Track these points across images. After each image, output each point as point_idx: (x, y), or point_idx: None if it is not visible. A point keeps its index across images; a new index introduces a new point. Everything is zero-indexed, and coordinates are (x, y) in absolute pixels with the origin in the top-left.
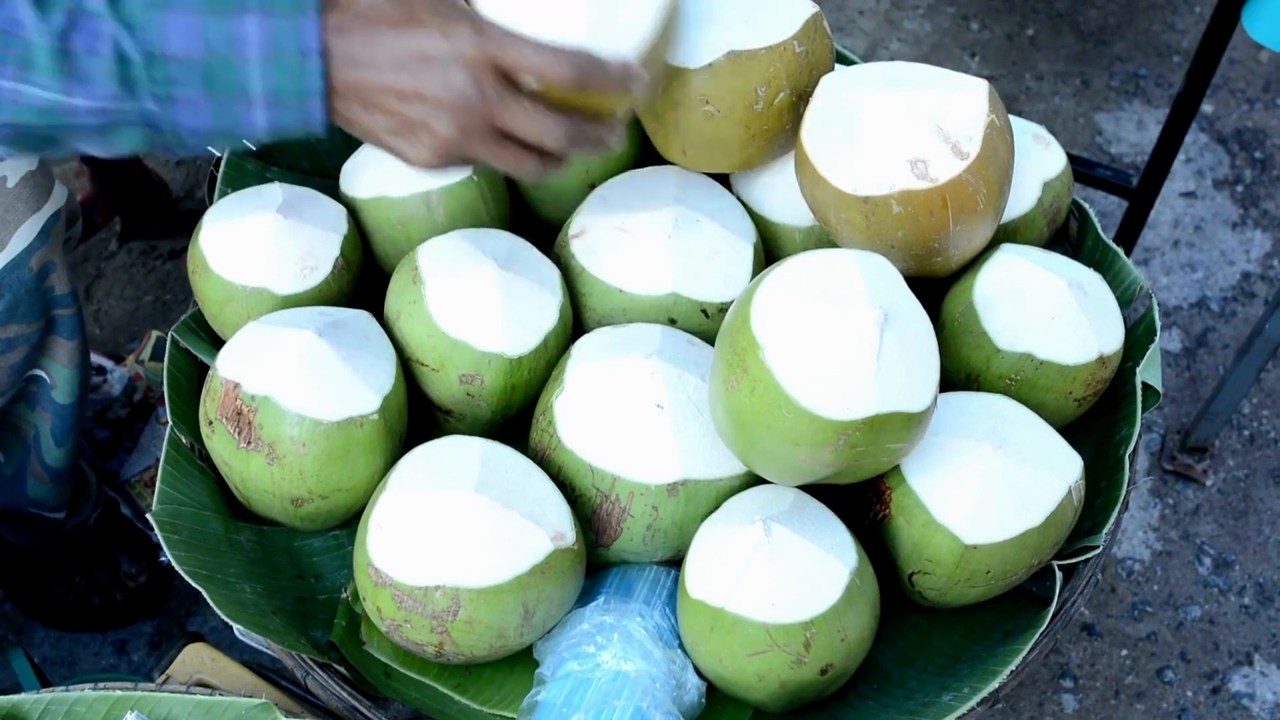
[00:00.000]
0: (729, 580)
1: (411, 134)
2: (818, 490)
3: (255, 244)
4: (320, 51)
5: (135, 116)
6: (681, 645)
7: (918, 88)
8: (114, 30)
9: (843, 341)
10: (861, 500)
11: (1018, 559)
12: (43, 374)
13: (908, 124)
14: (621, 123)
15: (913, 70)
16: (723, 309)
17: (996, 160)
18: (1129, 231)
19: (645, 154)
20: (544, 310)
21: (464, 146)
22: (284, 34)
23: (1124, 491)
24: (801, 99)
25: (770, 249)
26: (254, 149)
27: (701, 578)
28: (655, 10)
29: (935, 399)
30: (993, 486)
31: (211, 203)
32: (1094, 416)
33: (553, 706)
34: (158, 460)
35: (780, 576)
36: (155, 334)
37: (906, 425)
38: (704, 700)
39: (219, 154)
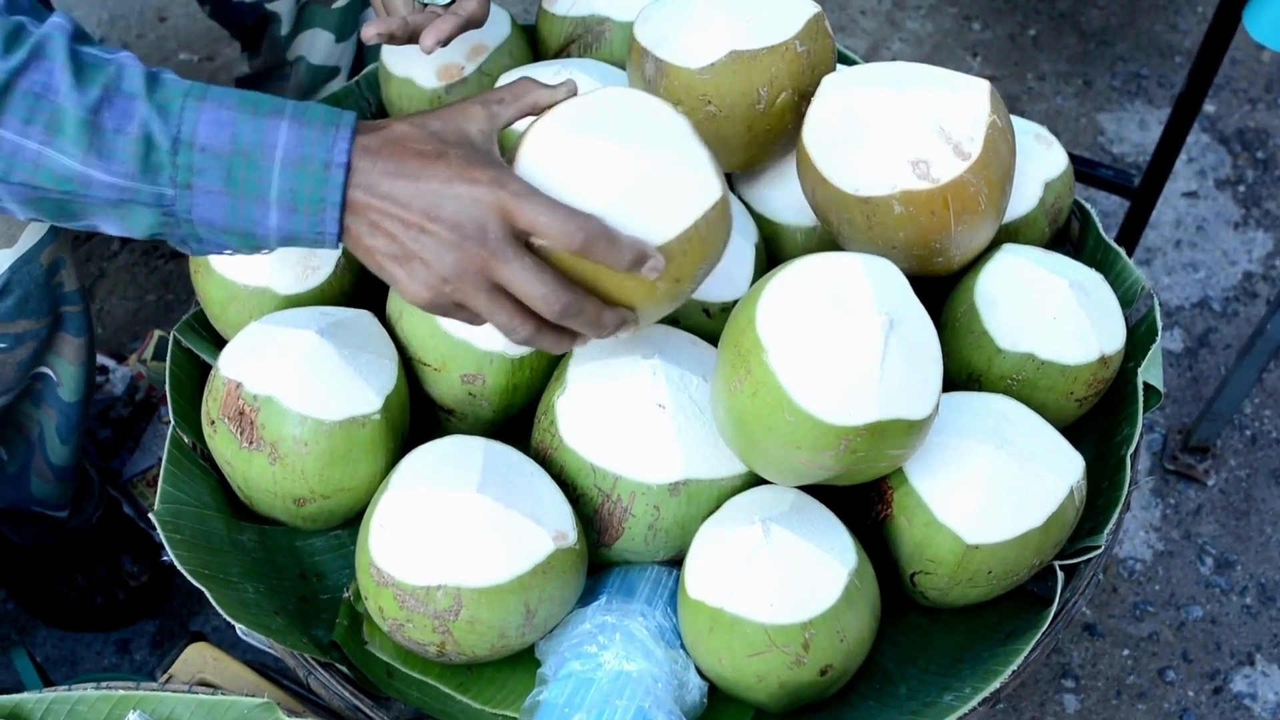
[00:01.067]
0: (728, 580)
1: (409, 263)
2: (818, 490)
3: None
4: (345, 166)
5: (151, 199)
6: (683, 645)
7: (919, 88)
8: (146, 113)
9: (847, 347)
10: (863, 500)
11: (1019, 559)
12: (49, 371)
13: (909, 124)
14: (633, 318)
15: (914, 70)
16: (725, 309)
17: (998, 160)
18: (1131, 231)
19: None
20: None
21: (457, 289)
22: (312, 145)
23: (1125, 492)
24: (804, 99)
25: (772, 249)
26: (266, 253)
27: (701, 578)
28: (694, 210)
29: (937, 406)
30: (995, 486)
31: None
32: (1095, 416)
33: (555, 706)
34: (160, 460)
35: (779, 577)
36: (157, 333)
37: (908, 432)
38: (706, 700)
39: (230, 253)
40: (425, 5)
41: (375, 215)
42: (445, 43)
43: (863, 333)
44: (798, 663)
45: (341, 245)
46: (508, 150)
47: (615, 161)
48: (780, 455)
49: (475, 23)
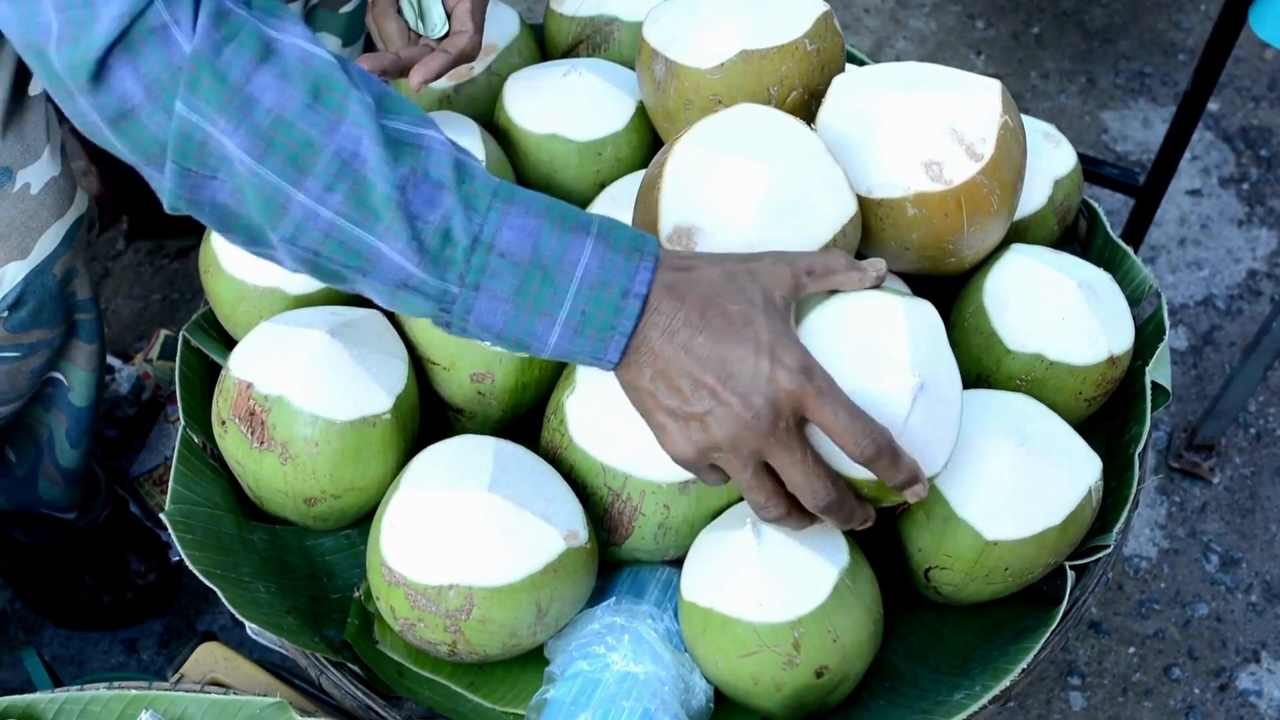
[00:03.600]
0: (719, 581)
1: (686, 421)
2: None
3: None
4: (644, 298)
5: (433, 291)
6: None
7: (931, 89)
8: (451, 205)
9: (874, 406)
10: None
11: (1036, 557)
12: (60, 376)
13: (922, 126)
14: (873, 515)
15: (925, 71)
16: None
17: (1010, 161)
18: (1136, 230)
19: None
20: None
21: (725, 458)
22: (614, 270)
23: (1134, 491)
24: (814, 97)
25: None
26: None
27: (694, 580)
28: (832, 225)
29: (949, 461)
30: (1015, 484)
31: None
32: (1104, 416)
33: (561, 704)
34: (166, 459)
35: (767, 576)
36: (164, 333)
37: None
38: (712, 705)
39: (488, 343)
40: (420, 37)
41: (666, 364)
42: (435, 79)
43: (892, 394)
44: (790, 663)
45: (614, 370)
46: (647, 174)
47: (755, 179)
48: None
49: (466, 58)
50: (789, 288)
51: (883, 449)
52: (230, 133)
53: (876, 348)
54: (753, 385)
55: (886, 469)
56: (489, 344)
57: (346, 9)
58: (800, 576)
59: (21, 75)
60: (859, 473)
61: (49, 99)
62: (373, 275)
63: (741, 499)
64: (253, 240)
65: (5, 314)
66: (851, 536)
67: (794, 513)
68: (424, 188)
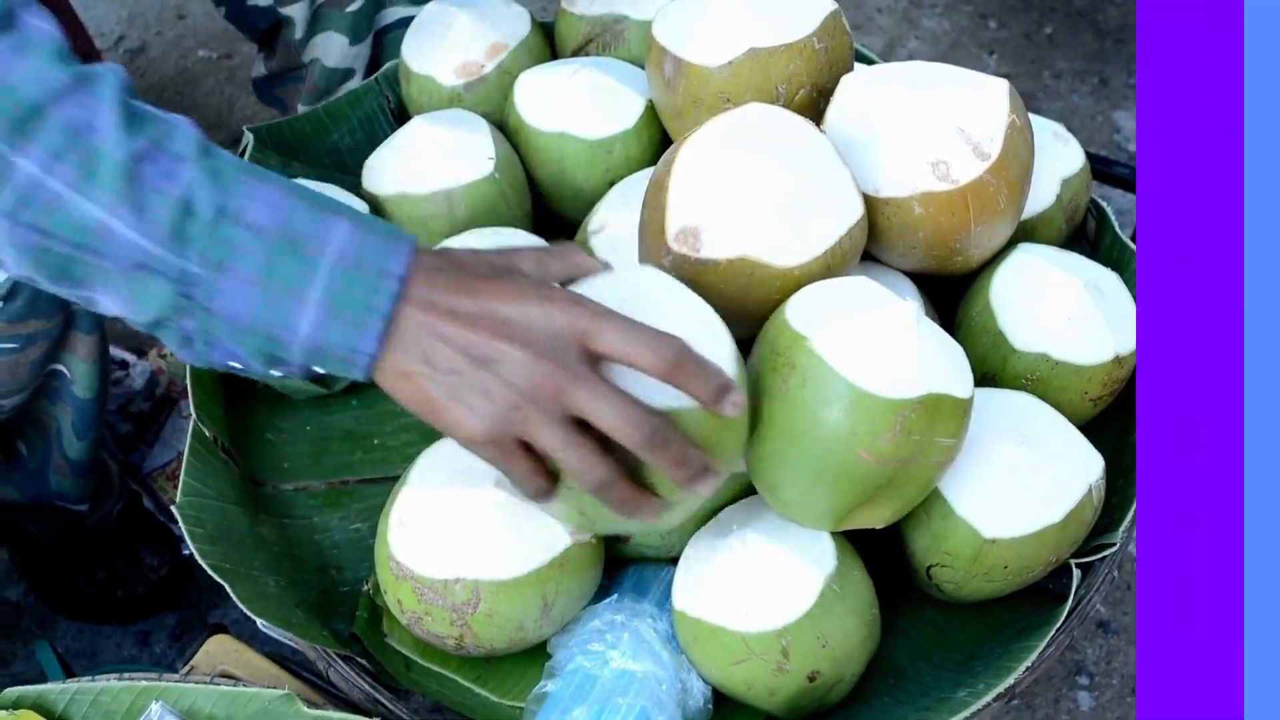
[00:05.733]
0: (706, 591)
1: (468, 390)
2: None
3: None
4: (401, 279)
5: (173, 272)
6: None
7: (938, 88)
8: (193, 177)
9: (883, 330)
10: None
11: (1036, 555)
12: (63, 369)
13: (929, 125)
14: (715, 466)
15: (933, 70)
16: None
17: (1017, 161)
18: None
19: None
20: None
21: (526, 418)
22: (371, 250)
23: None
24: (822, 96)
25: None
26: (266, 379)
27: (683, 589)
28: (839, 228)
29: (973, 393)
30: (1014, 482)
31: None
32: (1111, 414)
33: (559, 699)
34: (180, 453)
35: (753, 586)
36: None
37: (955, 413)
38: (710, 707)
39: (238, 369)
40: None
41: (431, 338)
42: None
43: (895, 317)
44: (780, 670)
45: (369, 374)
46: (655, 173)
47: (763, 180)
48: (831, 458)
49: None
50: (532, 265)
51: (684, 355)
52: None
53: (864, 295)
54: (530, 324)
55: (693, 378)
56: (238, 366)
57: (352, 8)
58: (785, 584)
59: None
60: (672, 403)
61: None
62: (107, 256)
63: (737, 499)
64: None
65: (0, 305)
66: (847, 538)
67: (620, 477)
68: (163, 160)
